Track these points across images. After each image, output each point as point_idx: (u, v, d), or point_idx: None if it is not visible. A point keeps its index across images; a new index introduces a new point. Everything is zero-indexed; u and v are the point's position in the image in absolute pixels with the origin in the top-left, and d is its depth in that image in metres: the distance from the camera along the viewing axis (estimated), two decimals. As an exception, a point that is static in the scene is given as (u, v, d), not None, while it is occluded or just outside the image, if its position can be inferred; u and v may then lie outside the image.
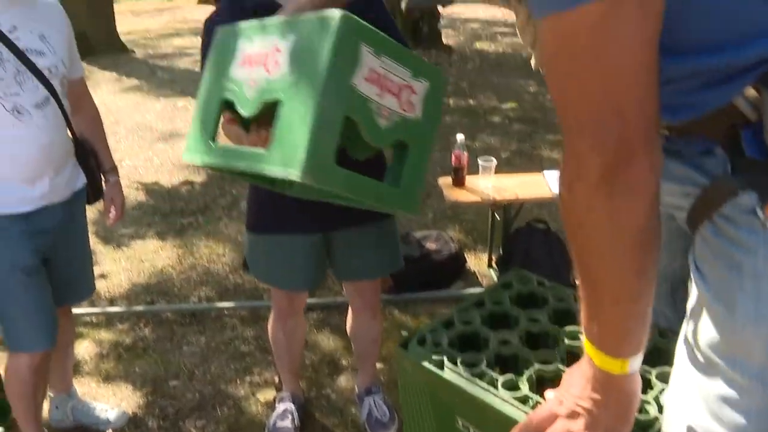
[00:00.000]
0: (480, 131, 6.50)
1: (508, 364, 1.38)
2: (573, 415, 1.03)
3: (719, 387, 0.96)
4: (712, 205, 0.94)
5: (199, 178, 5.53)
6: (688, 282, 1.04)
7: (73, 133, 2.30)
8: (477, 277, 3.88)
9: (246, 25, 1.34)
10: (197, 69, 9.97)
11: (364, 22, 1.19)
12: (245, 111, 1.28)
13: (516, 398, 1.24)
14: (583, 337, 1.38)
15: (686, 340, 1.03)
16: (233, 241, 4.37)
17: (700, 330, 0.99)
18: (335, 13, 1.13)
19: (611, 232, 0.87)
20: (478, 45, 11.09)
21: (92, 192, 2.42)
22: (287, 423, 2.62)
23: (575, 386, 1.04)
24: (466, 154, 3.52)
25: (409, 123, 1.28)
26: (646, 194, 0.85)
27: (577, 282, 0.97)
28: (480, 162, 3.60)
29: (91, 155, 2.39)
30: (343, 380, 2.97)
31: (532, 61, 1.06)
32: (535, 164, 5.40)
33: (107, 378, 3.03)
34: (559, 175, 0.91)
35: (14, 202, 2.11)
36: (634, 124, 0.82)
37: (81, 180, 2.36)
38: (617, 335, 0.97)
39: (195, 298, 3.74)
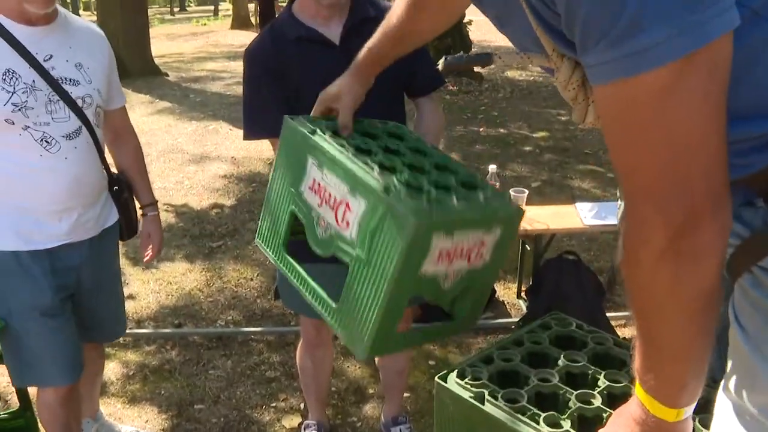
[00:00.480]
0: (511, 160, 6.49)
1: (548, 401, 1.35)
2: None
3: None
4: (751, 257, 0.92)
5: (228, 201, 5.56)
6: (730, 328, 1.01)
7: (106, 167, 2.21)
8: (506, 307, 3.84)
9: (315, 144, 1.32)
10: (229, 92, 10.06)
11: (437, 214, 1.17)
12: (317, 249, 1.32)
13: (558, 436, 1.22)
14: (624, 377, 1.36)
15: (726, 389, 1.00)
16: (261, 265, 4.37)
17: (739, 381, 0.96)
18: (409, 219, 1.10)
19: (675, 296, 0.85)
20: (509, 73, 11.11)
21: (126, 229, 2.34)
22: (313, 451, 2.59)
23: (623, 427, 1.01)
24: (498, 185, 3.50)
25: (474, 272, 1.28)
26: (714, 258, 0.83)
27: (632, 333, 0.94)
28: (512, 193, 3.57)
29: (126, 190, 2.30)
30: (369, 409, 2.94)
31: (574, 115, 1.03)
32: (566, 194, 5.37)
33: (133, 400, 3.02)
34: (620, 240, 0.89)
35: (38, 238, 2.03)
36: (703, 192, 0.79)
37: (113, 216, 2.28)
38: (675, 389, 0.94)
39: (222, 321, 3.73)
